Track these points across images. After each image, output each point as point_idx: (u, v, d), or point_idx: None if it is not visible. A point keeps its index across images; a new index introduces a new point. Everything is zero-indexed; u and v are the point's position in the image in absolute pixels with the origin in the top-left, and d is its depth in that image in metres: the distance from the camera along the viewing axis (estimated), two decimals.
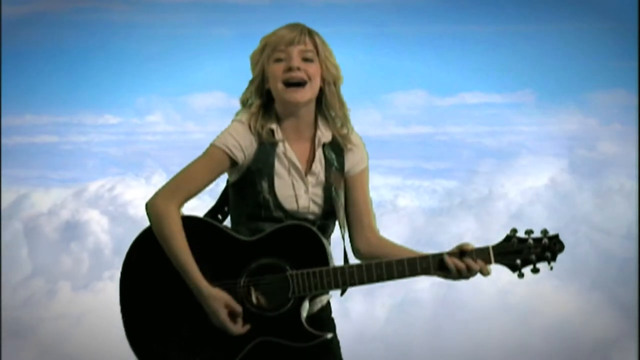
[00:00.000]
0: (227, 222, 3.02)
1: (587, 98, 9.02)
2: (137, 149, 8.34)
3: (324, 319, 2.90)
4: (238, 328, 2.68)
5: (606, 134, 8.09)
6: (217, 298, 2.68)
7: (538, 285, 8.04)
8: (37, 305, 5.97)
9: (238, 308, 2.70)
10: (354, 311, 8.42)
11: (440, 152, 14.31)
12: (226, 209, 2.96)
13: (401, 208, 9.60)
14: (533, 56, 11.15)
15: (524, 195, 10.42)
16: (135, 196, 7.70)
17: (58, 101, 6.35)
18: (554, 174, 9.27)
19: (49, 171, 6.35)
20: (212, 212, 2.96)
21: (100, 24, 7.50)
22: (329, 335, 2.81)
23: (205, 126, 11.07)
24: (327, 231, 2.87)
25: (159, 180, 8.11)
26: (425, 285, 8.13)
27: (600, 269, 7.36)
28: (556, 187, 9.10)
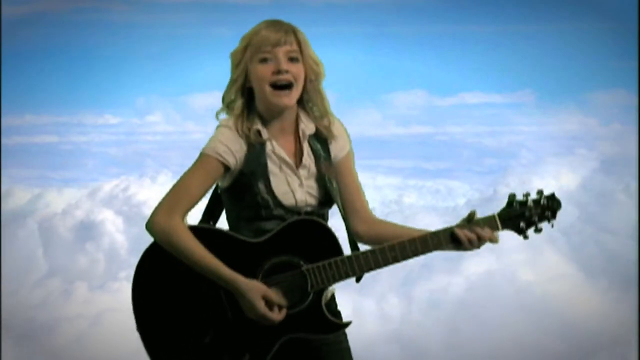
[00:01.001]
0: (220, 226, 3.06)
1: (587, 98, 9.08)
2: (137, 149, 8.37)
3: (332, 308, 2.96)
4: (277, 316, 2.73)
5: (606, 134, 8.16)
6: (255, 290, 2.73)
7: (553, 286, 8.13)
8: (54, 305, 6.00)
9: (275, 298, 2.76)
10: (370, 312, 8.50)
11: (440, 152, 14.38)
12: (216, 213, 3.00)
13: (406, 208, 9.66)
14: (533, 56, 11.21)
15: (541, 186, 10.48)
16: (149, 196, 7.70)
17: (58, 101, 6.39)
18: (556, 174, 9.35)
19: (48, 171, 6.38)
20: (205, 219, 3.00)
21: (100, 24, 7.53)
22: (350, 321, 2.90)
23: (205, 126, 11.05)
24: (324, 219, 2.93)
25: (165, 179, 8.14)
26: (441, 285, 8.21)
27: (611, 269, 7.44)
28: (560, 187, 9.19)
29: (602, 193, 7.73)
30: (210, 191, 2.92)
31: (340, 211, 2.88)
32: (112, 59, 7.68)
